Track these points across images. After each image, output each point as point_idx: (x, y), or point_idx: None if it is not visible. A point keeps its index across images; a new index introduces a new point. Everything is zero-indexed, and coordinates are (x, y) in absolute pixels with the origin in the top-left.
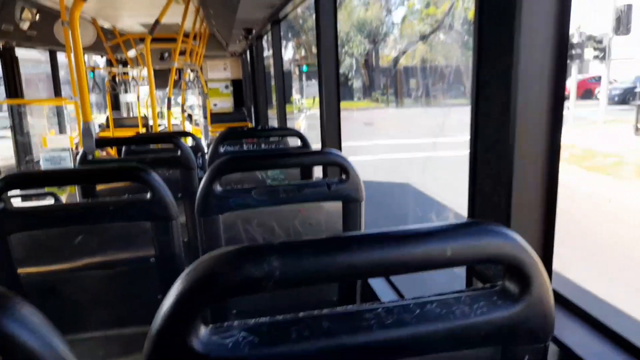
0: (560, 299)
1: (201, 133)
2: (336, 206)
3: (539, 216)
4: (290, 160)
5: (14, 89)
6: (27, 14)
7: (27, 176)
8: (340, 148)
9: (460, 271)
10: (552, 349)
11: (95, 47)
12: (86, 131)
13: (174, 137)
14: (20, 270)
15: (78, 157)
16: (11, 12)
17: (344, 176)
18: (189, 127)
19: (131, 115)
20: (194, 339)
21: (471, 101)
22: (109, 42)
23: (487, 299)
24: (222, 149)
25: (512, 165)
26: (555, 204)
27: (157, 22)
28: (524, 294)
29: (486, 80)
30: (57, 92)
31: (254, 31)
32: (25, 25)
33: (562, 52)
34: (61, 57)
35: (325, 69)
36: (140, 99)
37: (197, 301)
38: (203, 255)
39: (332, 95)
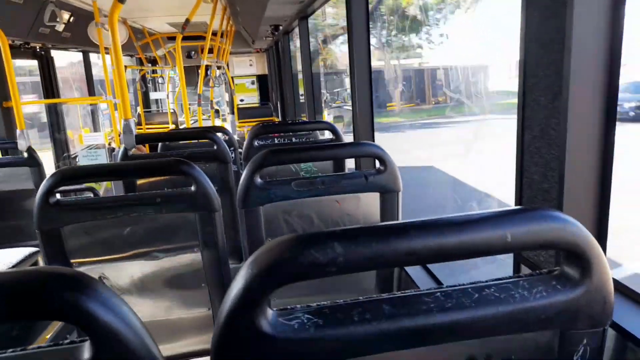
0: (616, 284)
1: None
2: (372, 197)
3: (592, 203)
4: (329, 153)
5: (51, 89)
6: (62, 17)
7: (80, 170)
8: (373, 140)
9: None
10: (610, 333)
11: (126, 47)
12: (126, 128)
13: (209, 132)
14: (73, 261)
15: (120, 153)
16: (47, 15)
17: (381, 167)
18: (217, 122)
19: (159, 112)
20: (262, 321)
21: (518, 90)
22: (138, 41)
23: (546, 284)
24: (256, 143)
25: (565, 153)
26: (609, 191)
27: (187, 20)
28: (584, 278)
29: (534, 69)
30: (91, 91)
31: (281, 27)
32: (60, 28)
33: (616, 39)
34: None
35: (358, 63)
36: (168, 97)
37: (266, 285)
38: (245, 245)
39: (365, 89)
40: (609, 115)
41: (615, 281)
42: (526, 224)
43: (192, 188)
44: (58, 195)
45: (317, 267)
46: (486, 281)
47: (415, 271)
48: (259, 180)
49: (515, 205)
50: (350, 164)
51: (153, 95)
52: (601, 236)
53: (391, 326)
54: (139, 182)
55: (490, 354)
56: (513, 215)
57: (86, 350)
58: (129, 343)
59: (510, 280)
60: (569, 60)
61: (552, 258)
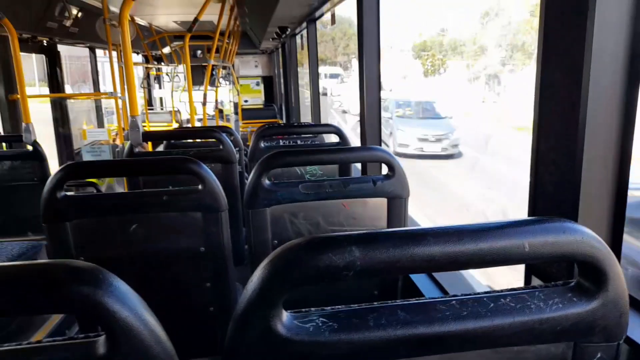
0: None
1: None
2: (379, 202)
3: (607, 216)
4: (338, 156)
5: (57, 84)
6: (71, 12)
7: (88, 165)
8: (380, 145)
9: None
10: (623, 348)
11: (132, 45)
12: (133, 124)
13: (216, 131)
14: (78, 256)
15: (125, 150)
16: (55, 10)
17: (389, 173)
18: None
19: (163, 110)
20: (277, 323)
21: (534, 100)
22: (145, 39)
23: (561, 295)
24: (262, 145)
25: (581, 164)
26: (624, 203)
27: (196, 19)
28: (600, 291)
29: (552, 79)
30: (97, 87)
31: (288, 29)
32: (68, 23)
33: (636, 48)
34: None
35: (367, 67)
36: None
37: (282, 286)
38: (250, 246)
39: (373, 93)
40: (627, 127)
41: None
42: (544, 234)
43: (199, 187)
44: (64, 190)
45: (335, 271)
46: (501, 291)
47: (420, 279)
48: (266, 181)
49: (529, 214)
50: (355, 166)
51: (157, 94)
52: (616, 249)
53: (406, 332)
54: (143, 180)
55: None
56: (531, 225)
57: (101, 345)
58: (144, 338)
59: (526, 290)
60: (588, 70)
61: (564, 270)
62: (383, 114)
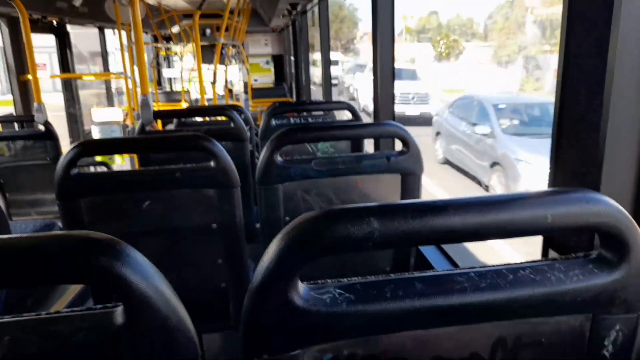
0: None
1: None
2: (393, 179)
3: (631, 187)
4: (351, 132)
5: (67, 64)
6: None
7: (102, 143)
8: (394, 120)
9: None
10: None
11: (142, 24)
12: (144, 103)
13: (227, 109)
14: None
15: (137, 129)
16: None
17: (404, 148)
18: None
19: (172, 90)
20: (294, 294)
21: (557, 72)
22: (154, 18)
23: (582, 267)
24: (273, 123)
25: (605, 136)
26: None
27: None
28: (622, 262)
29: (577, 51)
30: (106, 67)
31: (299, 6)
32: (77, 2)
33: None
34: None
35: (381, 42)
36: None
37: (300, 257)
38: (262, 223)
39: (387, 67)
40: None
41: None
42: (567, 205)
43: (212, 164)
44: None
45: (353, 241)
46: (521, 263)
47: (431, 253)
48: (279, 158)
49: (549, 186)
50: (367, 145)
51: (166, 73)
52: (639, 221)
53: (424, 304)
54: (154, 158)
55: (520, 336)
56: (554, 195)
57: (119, 316)
58: (161, 309)
59: (546, 262)
60: (615, 42)
61: (583, 242)
62: (455, 125)
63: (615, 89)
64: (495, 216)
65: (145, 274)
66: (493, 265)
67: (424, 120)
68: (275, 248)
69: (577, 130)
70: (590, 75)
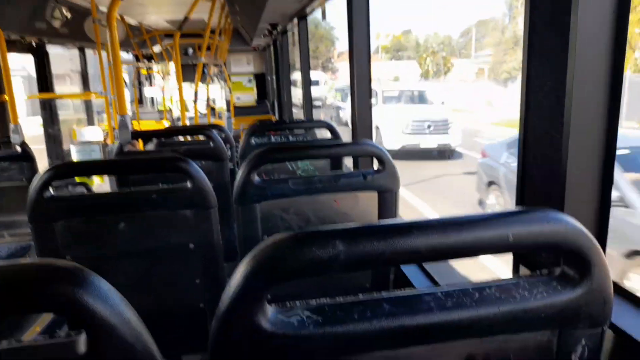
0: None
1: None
2: (370, 196)
3: (593, 205)
4: (328, 151)
5: (45, 84)
6: (58, 13)
7: (76, 166)
8: (371, 139)
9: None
10: (608, 333)
11: (122, 44)
12: (123, 123)
13: (206, 129)
14: (66, 257)
15: (115, 149)
16: (43, 10)
17: (379, 166)
18: (212, 120)
19: (152, 109)
20: (261, 318)
21: (520, 92)
22: (135, 38)
23: (546, 284)
24: (253, 141)
25: (567, 155)
26: (609, 193)
27: (186, 18)
28: (584, 279)
29: (537, 72)
30: (86, 87)
31: (279, 26)
32: (57, 23)
33: (619, 42)
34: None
35: (358, 61)
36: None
37: (266, 281)
38: (240, 242)
39: (364, 87)
40: (611, 118)
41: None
42: (528, 224)
43: (188, 184)
44: (52, 190)
45: (318, 264)
46: (487, 282)
47: (411, 271)
48: (256, 177)
49: (517, 204)
50: (347, 163)
51: (147, 92)
52: (601, 237)
53: (391, 324)
54: (133, 178)
55: (489, 353)
56: (516, 215)
57: (82, 344)
58: (125, 337)
59: (512, 280)
60: (573, 63)
61: (552, 258)
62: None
63: (575, 108)
64: (457, 236)
65: (109, 301)
66: (461, 284)
67: (442, 154)
68: (242, 271)
69: (541, 148)
70: (550, 96)
